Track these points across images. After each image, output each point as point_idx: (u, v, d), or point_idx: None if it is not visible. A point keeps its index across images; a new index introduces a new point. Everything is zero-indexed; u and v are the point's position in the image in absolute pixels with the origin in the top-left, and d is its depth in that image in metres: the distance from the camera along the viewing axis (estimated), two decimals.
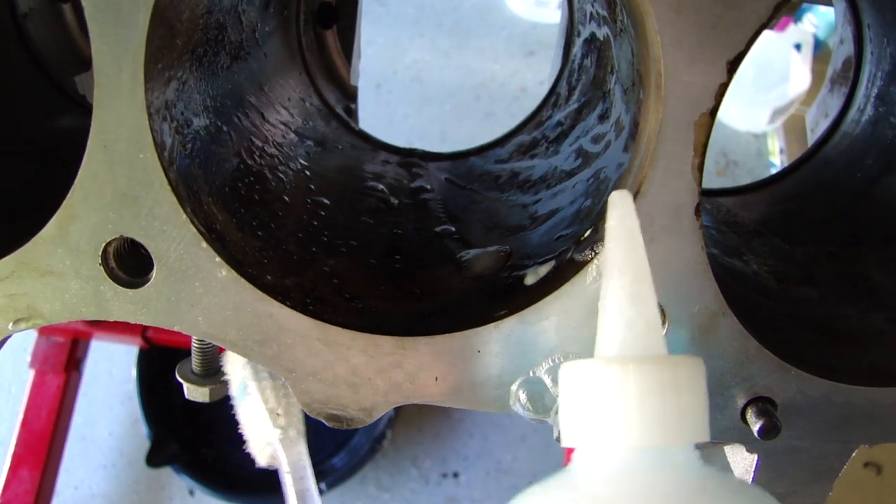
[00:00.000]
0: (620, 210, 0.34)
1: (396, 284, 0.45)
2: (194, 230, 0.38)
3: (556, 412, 0.40)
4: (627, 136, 0.43)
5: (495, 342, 0.39)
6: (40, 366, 1.43)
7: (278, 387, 0.43)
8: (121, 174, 0.37)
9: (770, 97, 1.80)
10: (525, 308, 0.39)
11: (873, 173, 0.57)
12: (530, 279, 0.42)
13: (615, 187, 0.41)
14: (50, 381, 1.44)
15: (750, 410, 0.40)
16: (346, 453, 1.55)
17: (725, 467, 0.44)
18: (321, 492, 1.51)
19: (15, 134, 0.58)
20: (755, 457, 0.41)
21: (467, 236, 0.51)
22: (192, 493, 1.62)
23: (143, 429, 1.55)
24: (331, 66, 0.71)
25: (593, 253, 0.39)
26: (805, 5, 1.67)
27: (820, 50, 1.79)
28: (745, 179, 1.87)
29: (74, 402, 1.49)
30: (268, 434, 0.43)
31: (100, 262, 0.38)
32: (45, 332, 1.43)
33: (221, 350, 0.47)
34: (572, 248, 0.42)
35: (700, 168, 0.36)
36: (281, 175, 0.51)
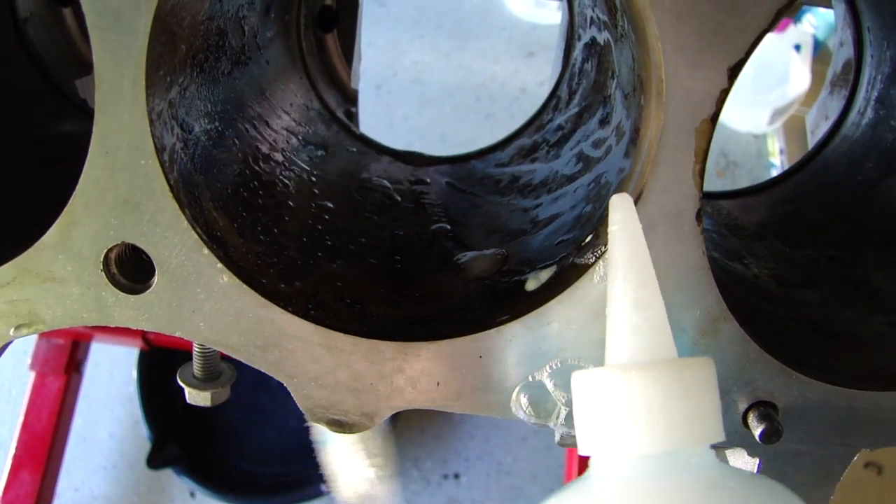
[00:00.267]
0: (622, 213, 0.35)
1: (398, 289, 0.45)
2: (196, 236, 0.38)
3: (558, 417, 0.40)
4: (628, 141, 0.43)
5: (497, 347, 0.39)
6: (41, 368, 1.43)
7: (375, 428, 0.44)
8: (122, 180, 0.37)
9: (770, 98, 1.80)
10: (527, 313, 0.39)
11: (873, 176, 0.57)
12: (531, 284, 0.42)
13: (616, 193, 0.41)
14: (50, 383, 1.44)
15: (751, 415, 0.40)
16: None
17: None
18: (321, 494, 1.51)
19: (15, 137, 0.58)
20: (757, 461, 0.42)
21: (468, 240, 0.51)
22: (192, 494, 1.62)
23: (143, 430, 1.55)
24: (331, 69, 0.71)
25: (594, 257, 0.39)
26: (805, 6, 1.67)
27: (819, 51, 1.79)
28: (745, 180, 1.88)
29: (75, 404, 1.49)
30: (361, 472, 0.44)
31: (101, 268, 0.39)
32: (45, 334, 1.43)
33: (223, 355, 0.47)
34: (573, 253, 0.42)
35: (701, 174, 0.36)
36: (285, 180, 0.51)
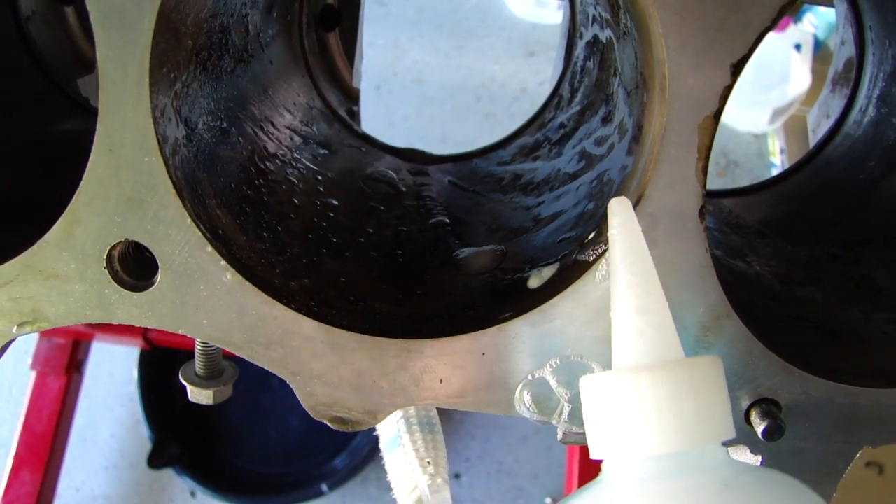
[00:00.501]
0: (620, 217, 0.35)
1: (401, 286, 0.46)
2: (199, 233, 0.38)
3: (561, 414, 0.40)
4: (631, 138, 0.43)
5: (500, 345, 0.39)
6: (42, 367, 1.43)
7: (429, 439, 0.44)
8: (126, 178, 0.37)
9: (770, 97, 1.80)
10: (529, 311, 0.39)
11: (875, 174, 0.57)
12: (534, 282, 0.42)
13: (619, 190, 0.41)
14: (51, 382, 1.44)
15: (754, 412, 0.40)
16: (348, 454, 1.55)
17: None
18: (322, 493, 1.51)
19: (17, 136, 0.58)
20: (759, 458, 0.42)
21: (470, 238, 0.51)
22: (193, 494, 1.62)
23: (144, 430, 1.55)
24: (333, 68, 0.71)
25: (597, 255, 0.39)
26: (805, 6, 1.68)
27: (820, 50, 1.79)
28: (745, 180, 1.88)
29: (76, 404, 1.49)
30: (417, 480, 0.44)
31: (104, 265, 0.39)
32: (46, 333, 1.43)
33: (225, 352, 0.48)
34: (576, 251, 0.42)
35: (704, 171, 0.36)
36: (288, 178, 0.51)
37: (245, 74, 0.51)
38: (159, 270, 0.39)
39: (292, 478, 1.58)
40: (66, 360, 1.44)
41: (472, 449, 1.63)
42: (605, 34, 0.54)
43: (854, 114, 0.62)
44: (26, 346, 1.45)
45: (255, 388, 1.53)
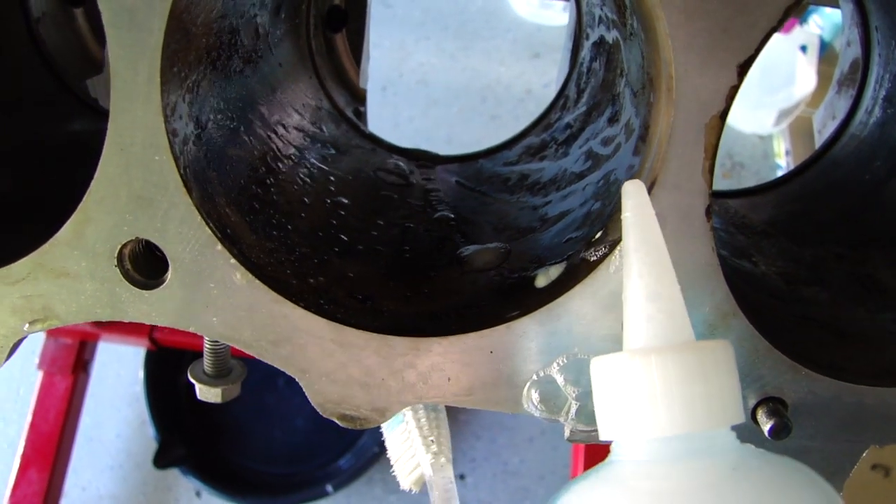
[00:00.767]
0: (635, 200, 0.35)
1: (408, 284, 0.46)
2: (209, 232, 0.38)
3: (569, 412, 0.40)
4: (637, 138, 0.44)
5: (508, 343, 0.40)
6: (48, 367, 1.44)
7: (432, 417, 0.44)
8: (136, 177, 0.37)
9: (776, 99, 1.80)
10: (537, 309, 0.39)
11: (881, 175, 0.57)
12: (541, 281, 0.42)
13: None
14: (58, 382, 1.44)
15: (760, 410, 0.40)
16: (353, 455, 1.56)
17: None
18: (327, 494, 1.52)
19: (27, 136, 0.59)
20: None
21: (477, 238, 0.51)
22: (199, 494, 1.62)
23: (150, 430, 1.56)
24: (340, 69, 0.71)
25: (604, 254, 0.39)
26: (811, 7, 1.67)
27: (825, 51, 1.79)
28: (751, 181, 1.88)
29: (82, 404, 1.50)
30: (419, 459, 0.44)
31: (115, 263, 0.39)
32: (53, 333, 1.43)
33: (234, 351, 0.48)
34: (582, 250, 0.42)
35: (711, 170, 0.36)
36: (297, 177, 0.51)
37: (254, 75, 0.51)
38: (169, 269, 0.39)
39: (297, 478, 1.58)
40: (72, 360, 1.44)
41: (478, 450, 1.63)
42: (611, 35, 0.54)
43: (860, 115, 0.62)
44: (33, 346, 1.46)
45: (261, 388, 1.53)
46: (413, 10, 2.03)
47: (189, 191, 0.38)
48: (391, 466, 0.49)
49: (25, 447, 1.41)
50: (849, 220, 0.57)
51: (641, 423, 0.33)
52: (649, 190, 0.37)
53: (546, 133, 0.65)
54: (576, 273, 0.40)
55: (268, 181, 0.48)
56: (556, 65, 0.74)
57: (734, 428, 0.35)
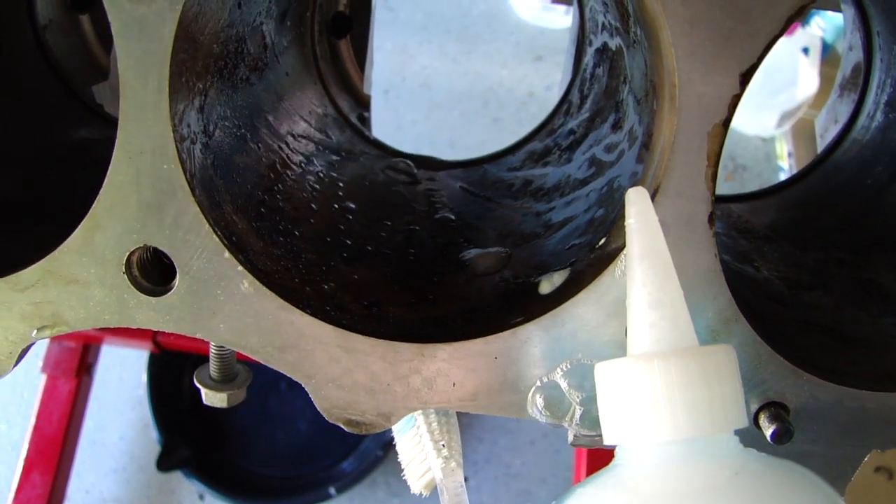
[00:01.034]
0: (638, 207, 0.35)
1: (414, 290, 0.46)
2: (217, 239, 0.38)
3: (573, 417, 0.41)
4: (641, 145, 0.44)
5: (512, 348, 0.40)
6: (52, 371, 1.44)
7: (443, 422, 0.45)
8: (145, 184, 0.38)
9: (778, 101, 1.80)
10: (541, 315, 0.39)
11: (883, 179, 0.57)
12: (545, 287, 0.42)
13: None
14: (61, 385, 1.44)
15: (763, 415, 0.40)
16: (356, 458, 1.56)
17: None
18: (330, 496, 1.52)
19: (34, 142, 0.59)
20: None
21: (481, 243, 0.52)
22: (202, 497, 1.63)
23: (153, 433, 1.56)
24: (344, 75, 0.71)
25: (607, 260, 0.39)
26: (813, 9, 1.67)
27: (828, 54, 1.79)
28: (753, 184, 1.88)
29: (85, 407, 1.50)
30: (430, 463, 0.45)
31: (124, 270, 0.39)
32: (56, 337, 1.43)
33: (239, 356, 0.48)
34: (586, 257, 0.42)
35: (713, 177, 0.37)
36: (304, 183, 0.52)
37: (260, 82, 0.52)
38: (177, 276, 0.39)
39: (300, 481, 1.58)
40: (76, 364, 1.44)
41: (480, 453, 1.63)
42: (614, 42, 0.54)
43: (862, 119, 0.63)
44: (37, 349, 1.45)
45: (264, 391, 1.53)
46: (415, 14, 2.03)
47: (196, 198, 0.38)
48: (395, 469, 0.49)
49: (29, 450, 1.41)
50: (851, 225, 0.57)
51: (645, 428, 0.33)
52: (653, 197, 0.37)
53: (549, 138, 0.65)
54: (580, 279, 0.40)
55: (275, 188, 0.48)
56: (559, 68, 0.74)
57: (737, 432, 0.35)
